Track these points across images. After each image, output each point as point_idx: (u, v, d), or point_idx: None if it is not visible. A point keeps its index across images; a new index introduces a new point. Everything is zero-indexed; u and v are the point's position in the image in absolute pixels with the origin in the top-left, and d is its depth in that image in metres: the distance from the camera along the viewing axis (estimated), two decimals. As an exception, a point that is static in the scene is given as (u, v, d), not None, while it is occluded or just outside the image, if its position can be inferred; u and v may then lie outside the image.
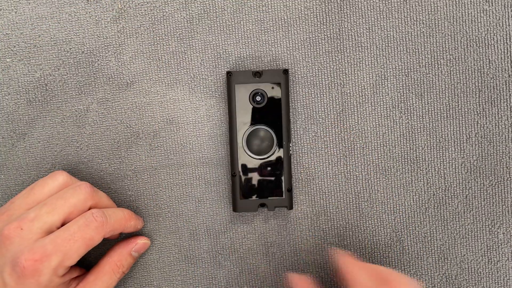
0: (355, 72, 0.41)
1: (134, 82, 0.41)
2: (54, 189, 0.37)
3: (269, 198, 0.40)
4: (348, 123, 0.42)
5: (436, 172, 0.42)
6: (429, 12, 0.41)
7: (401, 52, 0.41)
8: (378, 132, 0.42)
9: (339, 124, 0.42)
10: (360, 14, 0.41)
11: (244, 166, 0.40)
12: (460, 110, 0.41)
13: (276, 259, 0.42)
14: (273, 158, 0.40)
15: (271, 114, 0.40)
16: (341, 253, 0.38)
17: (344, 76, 0.41)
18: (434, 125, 0.42)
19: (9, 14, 0.40)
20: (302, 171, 0.42)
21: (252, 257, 0.42)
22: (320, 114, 0.41)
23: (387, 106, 0.41)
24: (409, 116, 0.41)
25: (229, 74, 0.40)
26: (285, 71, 0.40)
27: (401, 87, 0.41)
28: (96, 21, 0.40)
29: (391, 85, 0.41)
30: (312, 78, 0.41)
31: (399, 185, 0.42)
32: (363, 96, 0.41)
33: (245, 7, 0.41)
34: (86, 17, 0.40)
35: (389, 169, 0.42)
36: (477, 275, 0.42)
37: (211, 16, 0.41)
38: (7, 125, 0.41)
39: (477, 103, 0.41)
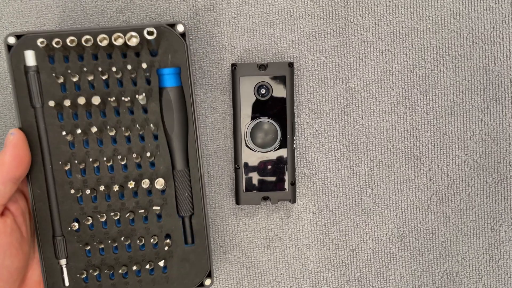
0: (360, 67, 0.41)
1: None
2: None
3: (272, 191, 0.40)
4: (352, 118, 0.41)
5: (439, 168, 0.42)
6: (435, 8, 0.41)
7: (407, 47, 0.41)
8: (382, 128, 0.42)
9: (343, 118, 0.41)
10: (366, 9, 0.41)
11: (247, 159, 0.40)
12: (464, 107, 0.41)
13: (277, 253, 0.42)
14: (277, 151, 0.40)
15: (276, 107, 0.40)
16: None
17: (349, 71, 0.41)
18: (438, 121, 0.41)
19: (14, 2, 0.40)
20: (305, 165, 0.42)
21: (253, 250, 0.42)
22: (324, 109, 0.41)
23: (392, 101, 0.41)
24: (413, 112, 0.41)
25: (234, 66, 0.40)
26: (290, 64, 0.40)
27: (406, 83, 0.41)
28: (102, 11, 0.40)
29: (396, 80, 0.41)
30: (317, 72, 0.41)
31: (402, 181, 0.42)
32: (368, 91, 0.41)
33: (251, 0, 0.41)
34: (91, 6, 0.40)
35: (392, 165, 0.42)
36: (478, 272, 0.42)
37: (217, 8, 0.41)
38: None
39: (482, 101, 0.41)
